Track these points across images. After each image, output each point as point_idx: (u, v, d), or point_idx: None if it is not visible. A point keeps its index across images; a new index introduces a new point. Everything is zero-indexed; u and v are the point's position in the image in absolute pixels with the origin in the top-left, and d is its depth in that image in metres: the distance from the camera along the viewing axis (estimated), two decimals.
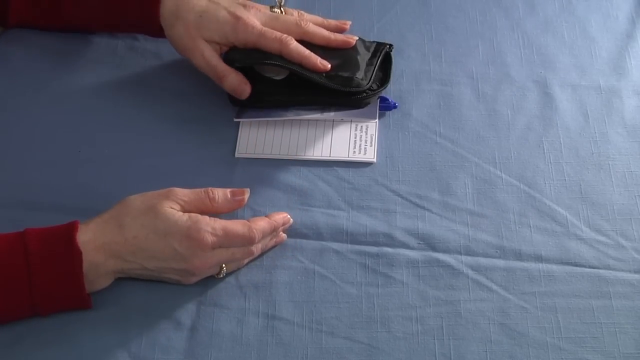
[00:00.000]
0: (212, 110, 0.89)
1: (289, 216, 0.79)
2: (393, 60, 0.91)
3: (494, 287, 0.76)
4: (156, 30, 0.88)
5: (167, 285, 0.75)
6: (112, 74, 0.92)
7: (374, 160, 0.85)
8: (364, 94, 0.86)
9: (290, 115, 0.87)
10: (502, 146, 0.86)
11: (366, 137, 0.87)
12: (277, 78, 0.87)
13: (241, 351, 0.72)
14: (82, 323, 0.73)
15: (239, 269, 0.77)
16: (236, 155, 0.86)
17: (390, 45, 0.92)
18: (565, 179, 0.83)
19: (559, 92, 0.91)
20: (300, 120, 0.87)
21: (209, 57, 0.85)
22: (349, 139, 0.87)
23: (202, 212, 0.73)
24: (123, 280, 0.74)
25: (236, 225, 0.73)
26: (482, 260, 0.78)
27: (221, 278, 0.76)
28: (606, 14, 0.99)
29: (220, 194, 0.76)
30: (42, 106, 0.89)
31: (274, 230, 0.77)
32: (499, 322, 0.74)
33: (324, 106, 0.88)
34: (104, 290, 0.73)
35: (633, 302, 0.75)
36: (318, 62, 0.84)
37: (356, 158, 0.85)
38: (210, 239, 0.71)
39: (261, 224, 0.75)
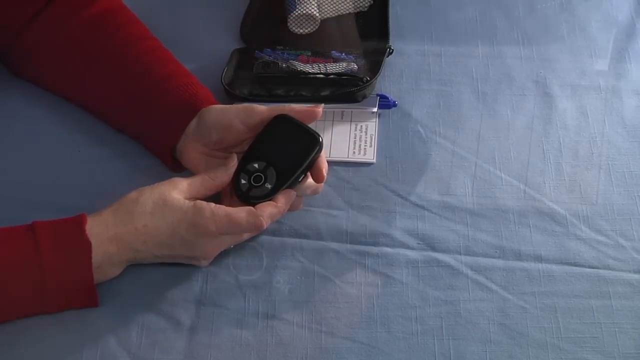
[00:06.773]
0: None
1: (292, 192, 0.75)
2: (388, 54, 0.92)
3: (494, 287, 0.76)
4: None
5: (167, 285, 0.76)
6: None
7: (374, 160, 0.85)
8: (360, 83, 0.86)
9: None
10: (502, 146, 0.86)
11: (366, 138, 0.87)
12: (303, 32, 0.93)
13: (241, 351, 0.72)
14: (82, 323, 0.73)
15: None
16: None
17: (391, 47, 0.92)
18: (565, 179, 0.83)
19: (559, 92, 0.91)
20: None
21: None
22: (349, 140, 0.87)
23: (208, 190, 0.74)
24: (123, 280, 0.74)
25: (240, 214, 0.71)
26: (482, 260, 0.78)
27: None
28: (606, 14, 0.99)
29: (219, 172, 0.75)
30: (42, 106, 0.89)
31: (282, 213, 0.75)
32: (498, 322, 0.74)
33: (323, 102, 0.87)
34: (104, 291, 0.73)
35: (633, 302, 0.75)
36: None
37: (356, 159, 0.85)
38: (213, 227, 0.71)
39: (269, 209, 0.72)
